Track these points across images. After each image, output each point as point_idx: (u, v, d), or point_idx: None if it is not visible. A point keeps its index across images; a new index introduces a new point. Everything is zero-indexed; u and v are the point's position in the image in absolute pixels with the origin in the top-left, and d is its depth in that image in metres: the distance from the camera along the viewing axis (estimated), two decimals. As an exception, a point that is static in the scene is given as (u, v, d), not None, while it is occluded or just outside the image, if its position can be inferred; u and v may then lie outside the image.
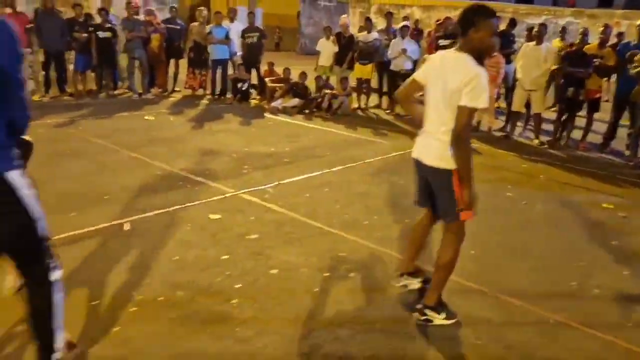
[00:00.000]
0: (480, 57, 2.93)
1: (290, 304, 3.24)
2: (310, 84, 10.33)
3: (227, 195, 5.07)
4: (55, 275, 2.27)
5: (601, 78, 7.90)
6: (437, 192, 3.07)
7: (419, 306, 3.16)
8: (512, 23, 9.78)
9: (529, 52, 7.92)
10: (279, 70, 11.12)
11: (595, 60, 7.53)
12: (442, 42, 9.71)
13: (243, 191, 5.21)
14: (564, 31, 10.33)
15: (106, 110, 8.96)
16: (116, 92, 10.59)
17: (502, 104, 9.93)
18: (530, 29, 8.38)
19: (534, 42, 7.96)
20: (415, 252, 3.46)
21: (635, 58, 6.88)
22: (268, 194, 5.21)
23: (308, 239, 4.23)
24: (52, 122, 7.82)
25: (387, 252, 4.04)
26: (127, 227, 4.25)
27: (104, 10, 10.21)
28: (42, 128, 7.45)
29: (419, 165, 3.14)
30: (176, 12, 11.44)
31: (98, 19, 10.19)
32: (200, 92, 11.01)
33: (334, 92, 9.91)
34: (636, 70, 6.67)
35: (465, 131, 2.79)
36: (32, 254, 2.20)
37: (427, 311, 3.12)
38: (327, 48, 10.52)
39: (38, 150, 6.07)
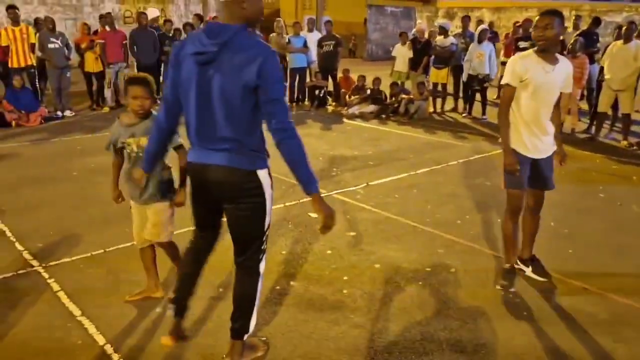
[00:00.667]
0: (545, 52, 3.31)
1: (398, 296, 3.43)
2: (384, 88, 10.49)
3: (321, 195, 5.32)
4: (262, 267, 2.59)
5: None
6: None
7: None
8: (596, 22, 9.55)
9: (617, 52, 7.71)
10: (354, 77, 11.37)
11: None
12: (522, 44, 9.67)
13: (335, 192, 5.47)
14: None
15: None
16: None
17: (584, 105, 9.70)
18: (619, 28, 8.15)
19: (621, 41, 7.75)
20: (524, 239, 3.75)
21: None
22: (359, 194, 5.43)
23: (404, 236, 4.40)
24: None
25: (483, 250, 4.15)
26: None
27: (189, 25, 10.85)
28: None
29: None
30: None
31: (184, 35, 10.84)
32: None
33: (411, 96, 10.02)
34: None
35: (500, 105, 3.48)
36: (253, 243, 2.51)
37: (519, 261, 3.73)
38: (402, 53, 10.66)
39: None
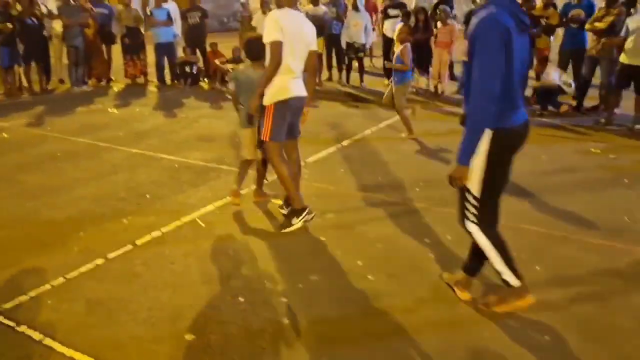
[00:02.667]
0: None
1: (420, 276, 3.38)
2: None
3: (268, 180, 5.01)
4: (470, 227, 2.82)
5: (548, 36, 8.64)
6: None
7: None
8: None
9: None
10: (223, 50, 10.78)
11: (542, 20, 8.26)
12: (391, 11, 10.05)
13: (280, 174, 5.16)
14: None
15: (57, 107, 8.19)
16: (49, 86, 9.64)
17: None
18: (482, -5, 8.93)
19: (486, 7, 8.49)
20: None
21: (575, 14, 7.72)
22: (305, 173, 5.20)
23: (381, 211, 4.34)
24: (7, 124, 7.03)
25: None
26: (201, 223, 4.09)
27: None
28: (4, 132, 6.70)
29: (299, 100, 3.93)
30: (101, -6, 10.59)
31: (18, 7, 9.15)
32: (141, 79, 10.38)
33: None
34: (596, 25, 7.32)
35: None
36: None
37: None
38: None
39: (25, 156, 5.58)
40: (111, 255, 3.55)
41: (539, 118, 7.39)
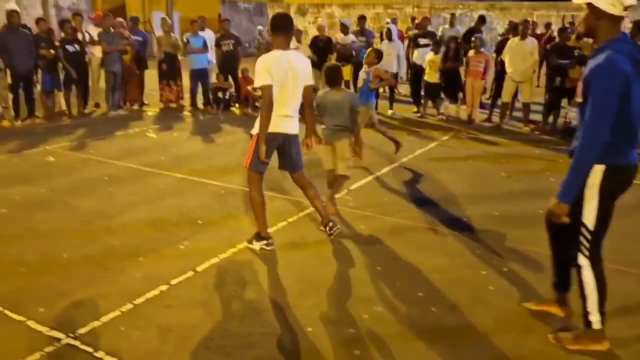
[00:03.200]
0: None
1: (484, 308, 3.39)
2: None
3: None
4: (582, 261, 2.80)
5: (581, 67, 8.70)
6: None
7: None
8: (482, 19, 10.48)
9: (515, 47, 8.55)
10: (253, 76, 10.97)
11: (575, 51, 8.33)
12: (422, 40, 10.20)
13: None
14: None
15: (97, 130, 8.36)
16: (86, 110, 9.85)
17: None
18: (514, 26, 9.06)
19: (518, 38, 8.61)
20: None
21: None
22: (350, 201, 5.26)
23: (432, 240, 4.38)
24: (51, 148, 7.20)
25: (526, 248, 4.29)
26: (256, 249, 4.14)
27: (68, 23, 9.45)
28: (50, 155, 6.86)
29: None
30: (137, 23, 10.89)
31: (60, 34, 9.43)
32: (174, 104, 10.57)
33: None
34: None
35: None
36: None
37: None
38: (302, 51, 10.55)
39: (73, 180, 5.69)
40: (174, 281, 3.60)
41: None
